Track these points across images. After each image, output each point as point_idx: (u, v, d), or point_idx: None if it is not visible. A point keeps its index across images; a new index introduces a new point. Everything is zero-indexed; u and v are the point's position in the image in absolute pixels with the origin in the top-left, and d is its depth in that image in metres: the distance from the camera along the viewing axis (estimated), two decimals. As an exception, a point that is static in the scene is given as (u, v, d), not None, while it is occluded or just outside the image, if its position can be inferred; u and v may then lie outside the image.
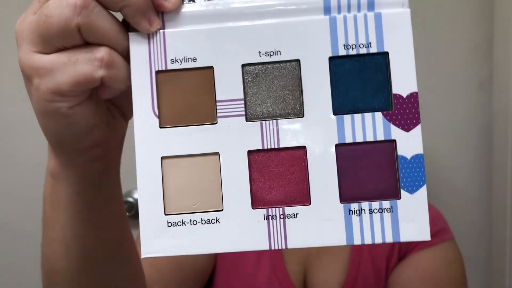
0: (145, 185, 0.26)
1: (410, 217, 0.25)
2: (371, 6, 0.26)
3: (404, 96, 0.26)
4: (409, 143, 0.25)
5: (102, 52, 0.25)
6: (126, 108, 0.31)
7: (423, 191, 0.25)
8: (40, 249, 0.34)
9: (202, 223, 0.26)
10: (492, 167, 0.75)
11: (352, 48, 0.26)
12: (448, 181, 0.77)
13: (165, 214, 0.26)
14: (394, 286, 0.53)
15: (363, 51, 0.26)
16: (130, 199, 0.78)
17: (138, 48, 0.26)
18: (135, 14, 0.25)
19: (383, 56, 0.26)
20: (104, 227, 0.33)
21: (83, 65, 0.25)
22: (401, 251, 0.55)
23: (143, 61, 0.26)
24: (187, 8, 0.27)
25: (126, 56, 0.27)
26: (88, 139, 0.28)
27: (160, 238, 0.26)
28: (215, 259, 0.56)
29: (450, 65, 0.74)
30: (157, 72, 0.26)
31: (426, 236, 0.25)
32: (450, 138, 0.76)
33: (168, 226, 0.26)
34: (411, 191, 0.25)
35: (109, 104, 0.30)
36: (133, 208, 0.77)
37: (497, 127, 0.73)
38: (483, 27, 0.73)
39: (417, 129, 0.25)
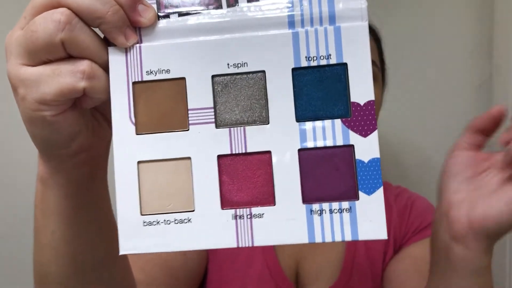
0: (123, 187, 0.28)
1: (367, 217, 0.27)
2: (332, 20, 0.28)
3: (362, 104, 0.27)
4: (366, 148, 0.27)
5: (84, 65, 0.27)
6: (110, 115, 0.33)
7: (379, 193, 0.27)
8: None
9: (175, 223, 0.28)
10: None
11: (313, 59, 0.28)
12: None
13: (141, 214, 0.28)
14: (391, 278, 0.54)
15: (323, 62, 0.28)
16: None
17: (116, 61, 0.29)
18: (112, 30, 0.28)
19: (342, 67, 0.28)
20: (93, 231, 0.35)
21: (66, 76, 0.27)
22: (396, 244, 0.57)
23: (121, 72, 0.29)
24: (162, 23, 0.29)
25: (106, 69, 0.29)
26: (74, 145, 0.31)
27: (136, 236, 0.28)
28: (206, 258, 0.58)
29: (450, 66, 0.74)
30: (134, 83, 0.29)
31: (383, 235, 0.27)
32: (450, 138, 0.73)
33: (144, 225, 0.28)
34: (369, 192, 0.27)
35: (94, 112, 0.32)
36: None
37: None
38: (483, 27, 0.73)
39: (374, 135, 0.27)
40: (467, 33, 0.74)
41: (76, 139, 0.30)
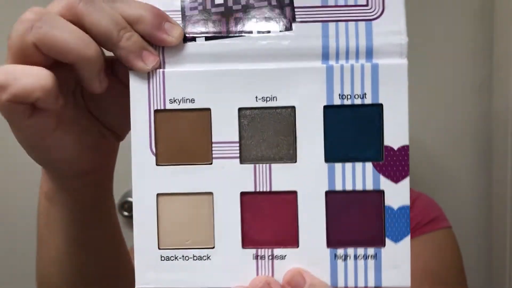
0: (141, 219, 0.27)
1: (393, 265, 0.26)
2: (369, 55, 0.26)
3: (395, 148, 0.26)
4: (397, 195, 0.26)
5: None
6: (117, 129, 0.32)
7: (407, 240, 0.26)
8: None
9: (194, 259, 0.27)
10: (492, 167, 0.75)
11: (347, 98, 0.26)
12: (448, 181, 0.78)
13: (159, 248, 0.27)
14: None
15: (357, 101, 0.26)
16: (130, 199, 0.79)
17: (137, 87, 0.27)
18: (128, 55, 0.26)
19: (377, 108, 0.26)
20: (100, 245, 0.34)
21: None
22: None
23: (142, 99, 0.27)
24: (187, 47, 0.27)
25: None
26: (80, 165, 0.29)
27: (153, 270, 0.27)
28: None
29: (450, 66, 0.74)
30: (156, 111, 0.27)
31: (407, 283, 0.26)
32: (450, 138, 0.76)
33: (161, 260, 0.27)
34: (396, 240, 0.26)
35: (100, 127, 0.31)
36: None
37: (497, 127, 0.73)
38: (483, 27, 0.73)
39: (405, 181, 0.26)
40: (467, 33, 0.74)
41: (81, 158, 0.29)
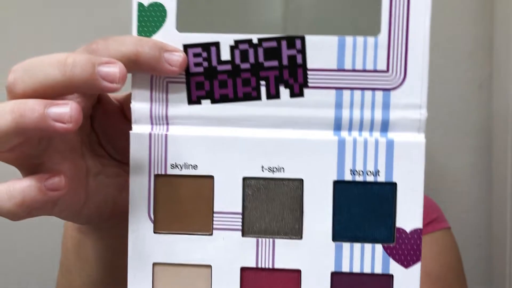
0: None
1: None
2: (384, 127, 0.25)
3: (408, 231, 0.25)
4: (407, 280, 0.25)
5: None
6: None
7: None
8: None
9: None
10: (492, 167, 0.74)
11: (359, 174, 0.25)
12: (448, 181, 0.77)
13: None
14: None
15: (370, 178, 0.25)
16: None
17: (138, 148, 0.26)
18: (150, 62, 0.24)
19: (391, 187, 0.25)
20: None
21: None
22: None
23: (143, 162, 0.26)
24: (192, 109, 0.26)
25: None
26: (119, 209, 0.28)
27: None
28: None
29: (450, 65, 0.74)
30: (156, 176, 0.26)
31: None
32: (450, 138, 0.75)
33: None
34: None
35: (124, 166, 0.29)
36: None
37: (497, 127, 0.73)
38: (483, 27, 0.73)
39: (416, 267, 0.25)
40: (467, 33, 0.73)
41: (118, 207, 0.28)
